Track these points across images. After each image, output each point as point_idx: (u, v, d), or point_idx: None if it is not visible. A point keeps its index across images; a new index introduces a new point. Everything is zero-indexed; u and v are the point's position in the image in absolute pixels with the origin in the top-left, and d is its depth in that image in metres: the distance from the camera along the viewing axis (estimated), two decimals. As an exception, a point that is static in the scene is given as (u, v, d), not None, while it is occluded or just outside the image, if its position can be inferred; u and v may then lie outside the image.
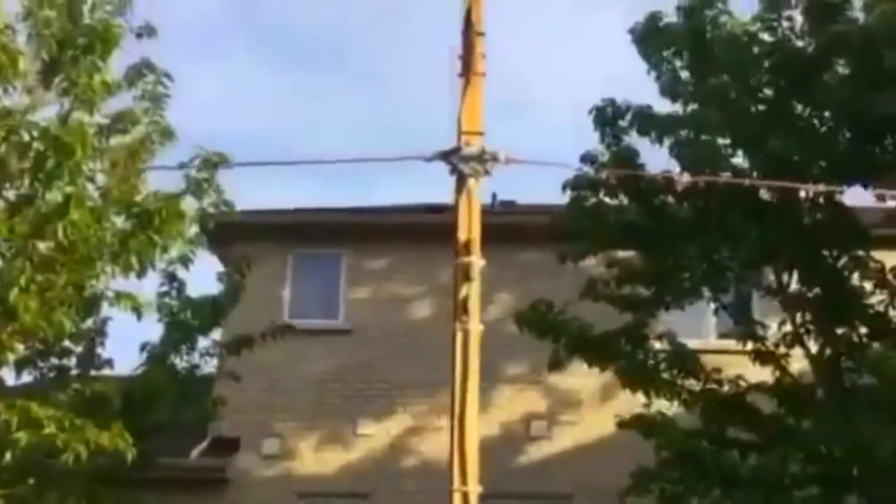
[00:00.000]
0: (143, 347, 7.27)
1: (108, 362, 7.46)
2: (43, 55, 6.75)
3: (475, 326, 4.18)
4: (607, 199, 7.76)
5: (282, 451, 10.79)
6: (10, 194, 5.74)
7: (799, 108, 7.46)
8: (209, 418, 8.33)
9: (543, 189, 8.90)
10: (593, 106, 7.50)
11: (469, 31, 4.15)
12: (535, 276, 10.99)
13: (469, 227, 4.30)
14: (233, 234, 9.88)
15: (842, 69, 7.33)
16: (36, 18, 6.91)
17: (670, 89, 7.55)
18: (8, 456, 5.37)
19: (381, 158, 5.90)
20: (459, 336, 4.24)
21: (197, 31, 24.42)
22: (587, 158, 7.60)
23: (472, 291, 4.21)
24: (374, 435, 10.83)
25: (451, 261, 10.63)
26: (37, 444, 5.36)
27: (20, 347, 5.63)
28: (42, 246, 5.45)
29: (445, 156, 4.19)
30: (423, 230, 11.84)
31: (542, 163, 5.19)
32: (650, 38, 7.66)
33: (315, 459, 10.74)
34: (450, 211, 12.45)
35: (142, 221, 5.70)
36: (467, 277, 4.20)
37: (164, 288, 6.96)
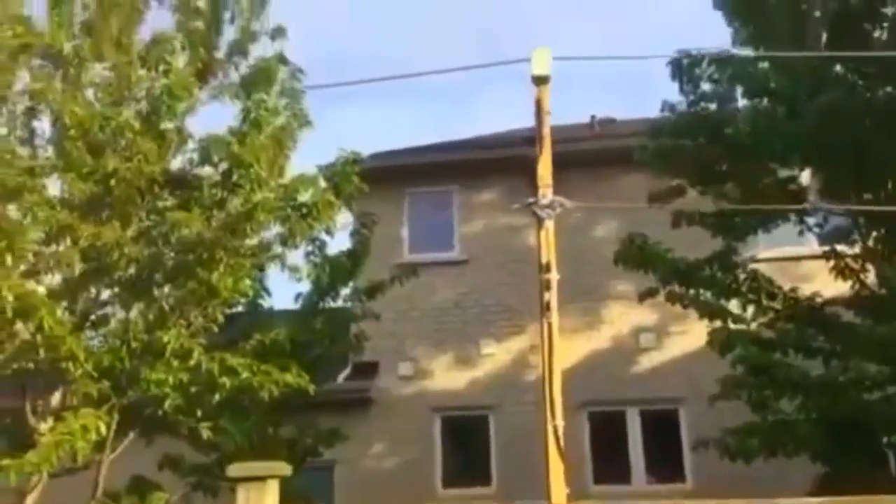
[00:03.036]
0: (297, 297, 8.96)
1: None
2: (197, 63, 8.30)
3: (555, 320, 5.48)
4: (687, 142, 8.61)
5: (415, 372, 12.42)
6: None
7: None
8: (353, 350, 9.88)
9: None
10: (669, 58, 8.33)
11: (539, 112, 5.35)
12: (637, 197, 11.82)
13: (547, 252, 5.71)
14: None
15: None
16: (187, 29, 8.44)
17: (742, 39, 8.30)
18: (217, 396, 7.08)
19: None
20: (545, 326, 5.66)
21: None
22: (666, 106, 8.50)
23: (553, 298, 5.61)
24: (496, 354, 12.29)
25: (555, 188, 11.68)
26: (237, 386, 7.05)
27: (220, 316, 7.28)
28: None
29: (528, 205, 5.56)
30: (526, 161, 12.89)
31: (597, 206, 6.62)
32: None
33: (445, 378, 12.32)
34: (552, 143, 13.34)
35: (302, 213, 7.32)
36: (548, 287, 5.65)
37: (309, 248, 8.54)
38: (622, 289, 11.79)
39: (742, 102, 8.52)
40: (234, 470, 4.96)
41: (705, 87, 8.40)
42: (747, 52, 8.48)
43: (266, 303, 8.91)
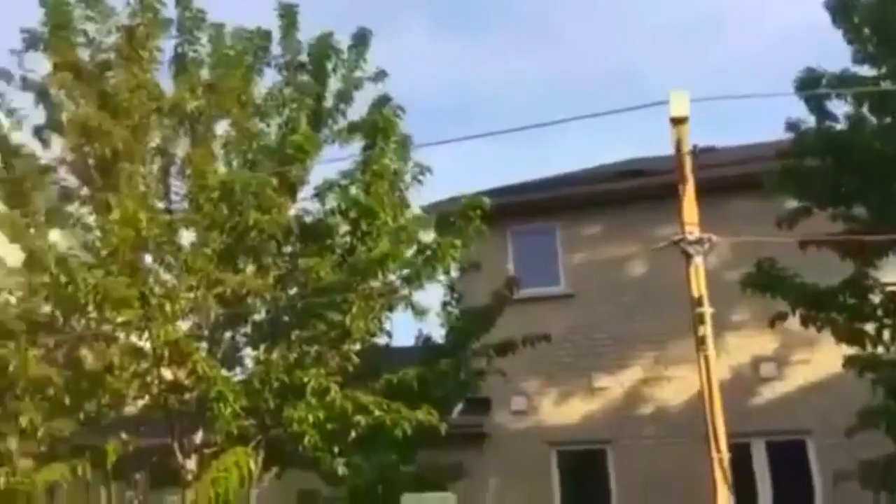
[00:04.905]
0: (417, 337, 9.37)
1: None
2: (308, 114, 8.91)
3: (712, 353, 5.74)
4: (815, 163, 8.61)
5: (528, 407, 12.58)
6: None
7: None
8: (472, 389, 10.19)
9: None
10: (796, 76, 8.39)
11: (680, 153, 5.68)
12: (745, 222, 11.75)
13: (698, 287, 5.92)
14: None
15: None
16: (296, 84, 9.05)
17: (861, 57, 8.32)
18: (352, 433, 7.47)
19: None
20: (702, 361, 5.88)
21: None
22: (791, 126, 8.58)
23: (707, 331, 5.77)
24: (609, 387, 12.33)
25: (656, 220, 11.81)
26: (371, 423, 7.42)
27: (354, 356, 7.71)
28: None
29: (676, 243, 5.84)
30: (629, 194, 13.04)
31: (746, 240, 6.81)
32: (841, 10, 8.44)
33: (558, 412, 12.44)
34: (648, 175, 13.50)
35: (426, 256, 7.77)
36: (702, 321, 5.86)
37: (447, 298, 8.99)
38: (737, 319, 11.70)
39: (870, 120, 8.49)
40: (407, 500, 5.24)
41: (831, 106, 8.44)
42: (871, 71, 8.47)
43: (381, 340, 9.38)
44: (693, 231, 5.95)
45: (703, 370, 5.94)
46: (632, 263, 12.99)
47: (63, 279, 7.27)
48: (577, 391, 12.46)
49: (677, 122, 5.94)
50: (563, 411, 12.45)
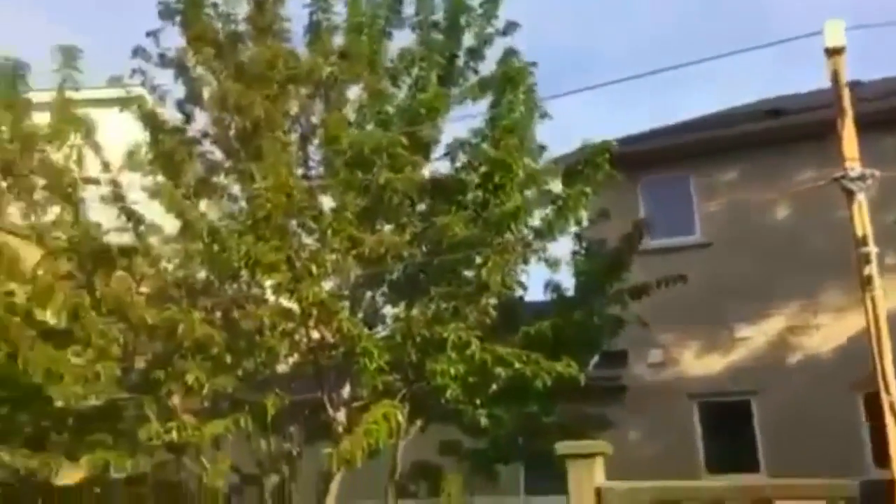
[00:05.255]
0: (546, 285, 9.37)
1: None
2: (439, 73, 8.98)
3: (879, 294, 5.49)
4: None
5: (666, 359, 12.46)
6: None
7: None
8: (609, 339, 10.12)
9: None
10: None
11: (837, 85, 5.42)
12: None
13: (862, 226, 5.68)
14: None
15: None
16: (428, 43, 9.14)
17: None
18: (493, 386, 7.63)
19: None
20: (869, 302, 5.64)
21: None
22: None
23: (873, 271, 5.58)
24: (752, 337, 12.02)
25: (799, 164, 11.26)
26: (511, 376, 7.54)
27: (491, 310, 7.81)
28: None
29: (837, 180, 5.62)
30: (768, 135, 12.52)
31: None
32: None
33: (699, 364, 12.26)
34: (788, 115, 12.87)
35: (558, 206, 7.75)
36: (867, 261, 5.62)
37: (576, 248, 8.96)
38: (890, 262, 11.14)
39: None
40: (562, 448, 5.31)
41: None
42: None
43: (516, 294, 9.43)
44: (854, 167, 5.70)
45: (869, 311, 5.71)
46: (772, 209, 12.54)
47: (216, 247, 7.72)
48: (718, 342, 12.22)
49: (833, 52, 5.69)
50: (704, 363, 12.25)
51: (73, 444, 7.77)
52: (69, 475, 8.30)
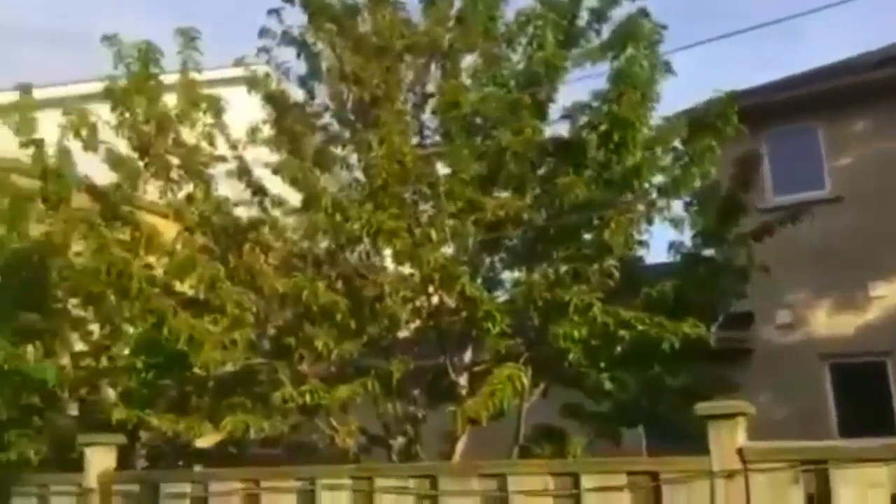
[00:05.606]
0: (670, 247, 9.13)
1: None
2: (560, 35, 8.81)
3: None
4: None
5: (794, 320, 12.03)
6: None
7: None
8: (736, 293, 9.72)
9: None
10: None
11: None
12: None
13: None
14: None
15: None
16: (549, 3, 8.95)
17: None
18: (618, 348, 7.54)
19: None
20: None
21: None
22: None
23: None
24: (888, 296, 11.45)
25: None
26: (634, 338, 7.44)
27: (615, 271, 7.70)
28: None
29: None
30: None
31: None
32: None
33: (830, 324, 11.78)
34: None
35: (684, 162, 7.52)
36: None
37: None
38: None
39: None
40: (703, 408, 5.21)
41: None
42: None
43: (639, 254, 9.22)
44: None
45: None
46: (908, 160, 11.85)
47: (339, 217, 7.92)
48: (852, 301, 11.71)
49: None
50: (836, 322, 11.78)
51: (213, 408, 8.20)
52: (208, 437, 8.78)
